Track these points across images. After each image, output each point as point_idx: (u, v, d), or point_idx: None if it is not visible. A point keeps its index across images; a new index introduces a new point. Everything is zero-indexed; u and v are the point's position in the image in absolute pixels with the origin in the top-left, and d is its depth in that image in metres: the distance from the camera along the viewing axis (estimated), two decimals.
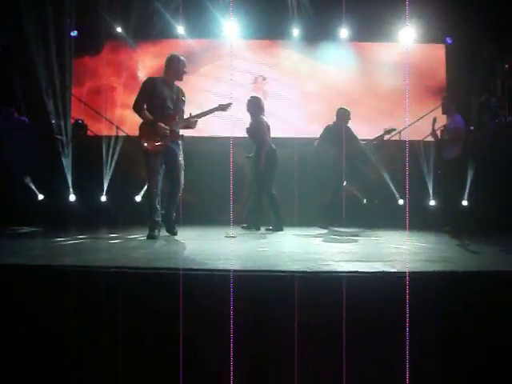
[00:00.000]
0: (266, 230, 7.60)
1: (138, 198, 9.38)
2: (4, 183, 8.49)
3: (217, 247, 5.24)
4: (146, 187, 8.69)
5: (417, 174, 8.82)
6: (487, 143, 8.96)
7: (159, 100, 5.91)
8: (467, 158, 8.24)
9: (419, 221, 7.75)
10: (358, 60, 11.32)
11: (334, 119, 8.46)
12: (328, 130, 8.39)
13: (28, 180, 8.98)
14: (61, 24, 9.53)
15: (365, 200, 8.62)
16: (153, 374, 3.00)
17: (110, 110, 10.86)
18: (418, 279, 3.06)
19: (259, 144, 7.56)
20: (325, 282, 3.10)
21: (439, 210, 8.47)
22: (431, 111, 10.06)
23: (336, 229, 8.01)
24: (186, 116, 6.15)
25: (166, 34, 10.71)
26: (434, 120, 8.06)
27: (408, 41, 10.49)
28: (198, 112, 6.21)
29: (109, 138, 9.62)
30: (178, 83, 6.16)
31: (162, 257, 4.31)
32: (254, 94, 8.00)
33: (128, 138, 9.75)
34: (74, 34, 10.46)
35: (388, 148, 9.15)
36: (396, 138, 9.50)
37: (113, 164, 9.35)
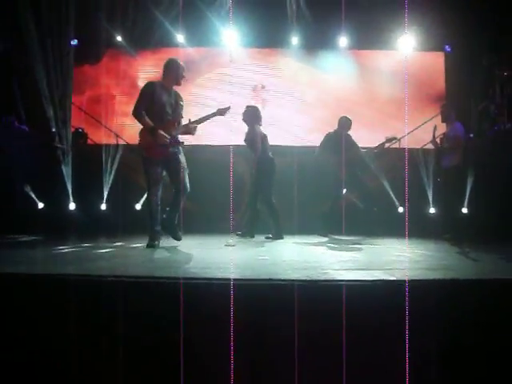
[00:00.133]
0: (266, 238, 7.60)
1: (138, 206, 9.39)
2: (4, 191, 8.49)
3: (217, 256, 5.24)
4: (146, 195, 8.75)
5: (416, 181, 8.83)
6: (486, 151, 8.96)
7: (158, 105, 5.84)
8: (467, 165, 8.24)
9: (419, 228, 7.75)
10: (358, 68, 11.33)
11: (335, 127, 8.48)
12: (328, 138, 8.41)
13: (28, 188, 8.99)
14: (61, 33, 9.54)
15: (364, 208, 8.60)
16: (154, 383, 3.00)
17: (110, 119, 10.86)
18: (418, 287, 3.06)
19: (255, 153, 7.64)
20: (325, 290, 3.10)
21: (439, 218, 8.46)
22: (431, 119, 10.09)
23: (336, 237, 8.01)
24: (184, 121, 6.11)
25: (165, 42, 10.72)
26: (435, 128, 8.05)
27: (407, 49, 10.52)
28: (197, 118, 6.19)
29: (109, 146, 9.64)
30: (175, 88, 6.11)
31: (161, 265, 4.31)
32: (251, 104, 8.01)
33: (128, 146, 9.76)
34: (74, 42, 10.48)
35: (388, 156, 9.16)
36: (396, 145, 9.50)
37: (113, 172, 9.36)
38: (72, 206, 9.22)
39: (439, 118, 8.34)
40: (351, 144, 8.37)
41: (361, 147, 8.49)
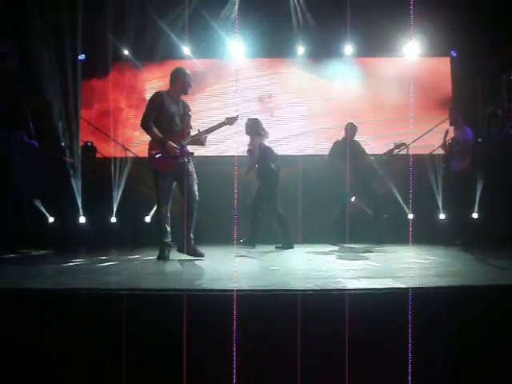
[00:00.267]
0: (276, 247, 7.62)
1: (148, 219, 9.40)
2: (15, 206, 8.54)
3: (228, 266, 5.24)
4: (155, 208, 8.77)
5: (425, 187, 8.80)
6: (495, 155, 8.93)
7: (167, 116, 5.74)
8: (476, 169, 8.22)
9: (429, 235, 7.72)
10: (364, 76, 11.34)
11: (343, 135, 8.49)
12: (337, 146, 8.41)
13: (38, 203, 9.03)
14: (69, 48, 9.62)
15: (374, 215, 8.58)
16: None
17: (118, 132, 10.91)
18: (429, 294, 3.06)
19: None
20: (335, 300, 3.09)
21: (449, 224, 8.42)
22: (438, 124, 10.09)
23: (346, 245, 7.99)
24: (193, 131, 6.02)
25: (172, 54, 10.77)
26: (447, 132, 8.04)
27: (413, 55, 10.53)
28: (206, 128, 6.04)
29: (117, 159, 9.67)
30: (183, 98, 6.04)
31: (171, 278, 4.33)
32: (256, 114, 8.00)
33: (136, 159, 9.81)
34: (81, 57, 10.55)
35: (396, 162, 9.14)
36: (404, 152, 9.49)
37: (122, 185, 9.39)
38: (82, 219, 9.25)
39: (447, 122, 8.34)
40: (360, 151, 8.37)
41: (369, 154, 8.49)
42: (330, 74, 11.31)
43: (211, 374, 2.97)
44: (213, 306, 3.07)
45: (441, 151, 8.39)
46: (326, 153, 8.55)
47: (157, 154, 5.74)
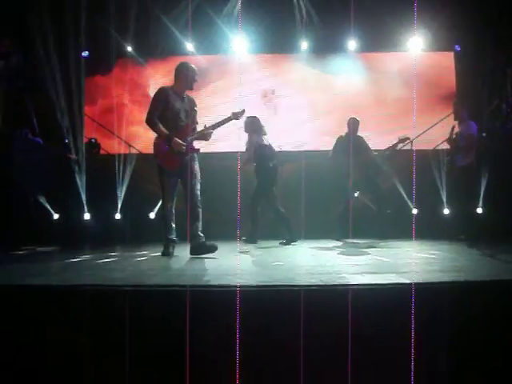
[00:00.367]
0: (280, 243, 7.64)
1: (152, 215, 9.43)
2: (19, 203, 8.57)
3: (232, 262, 5.27)
4: (159, 204, 8.79)
5: (430, 182, 8.80)
6: (499, 149, 8.91)
7: (172, 112, 5.69)
8: (481, 164, 8.21)
9: (433, 230, 7.72)
10: (367, 70, 11.32)
11: (346, 130, 8.49)
12: (340, 141, 8.41)
13: (43, 199, 9.06)
14: (72, 44, 9.63)
15: (378, 210, 8.58)
16: None
17: (122, 128, 10.93)
18: (432, 289, 3.07)
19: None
20: (340, 295, 3.10)
21: (453, 219, 8.41)
22: (442, 119, 10.09)
23: (350, 240, 8.00)
24: (199, 127, 5.95)
25: (175, 50, 10.76)
26: (453, 127, 8.05)
27: (416, 50, 10.50)
28: (213, 123, 5.95)
29: (122, 156, 9.69)
30: (188, 93, 5.97)
31: (176, 274, 4.34)
32: (251, 114, 7.94)
33: (141, 155, 9.83)
34: (85, 54, 10.56)
35: (400, 157, 9.13)
36: (408, 146, 9.48)
37: (126, 182, 9.41)
38: (86, 216, 9.28)
39: (451, 117, 8.32)
40: (364, 146, 8.38)
41: (372, 149, 8.48)
42: (333, 70, 11.30)
43: (215, 369, 2.98)
44: (217, 301, 3.09)
45: (445, 146, 8.39)
46: (330, 148, 8.56)
47: (163, 151, 5.70)
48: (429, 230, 7.59)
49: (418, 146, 9.55)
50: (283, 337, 2.96)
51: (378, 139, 9.42)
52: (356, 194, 8.46)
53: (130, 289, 3.20)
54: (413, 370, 2.87)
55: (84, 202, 9.23)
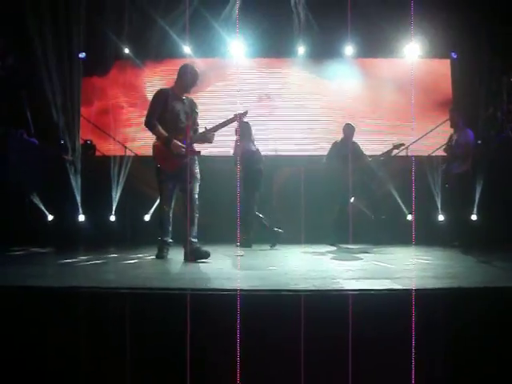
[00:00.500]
0: (271, 247, 7.71)
1: (147, 218, 9.41)
2: (14, 204, 8.55)
3: (226, 266, 5.26)
4: (155, 206, 8.78)
5: (425, 188, 8.81)
6: (494, 157, 8.95)
7: (172, 113, 5.60)
8: (476, 172, 8.24)
9: (427, 236, 7.74)
10: (364, 76, 11.35)
11: (341, 136, 8.51)
12: (335, 147, 8.43)
13: (38, 201, 9.04)
14: (69, 46, 9.63)
15: (373, 216, 8.60)
16: None
17: (118, 130, 10.92)
18: (426, 296, 3.07)
19: None
20: (334, 300, 3.11)
21: (448, 225, 8.43)
22: (437, 126, 10.12)
23: (344, 246, 8.01)
24: (201, 129, 5.86)
25: (172, 53, 10.77)
26: (451, 136, 8.08)
27: (413, 56, 10.53)
28: (214, 124, 5.81)
29: (117, 157, 9.67)
30: (189, 94, 5.90)
31: (171, 277, 4.34)
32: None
33: (136, 157, 9.83)
34: (82, 55, 10.54)
35: (395, 163, 9.16)
36: (403, 153, 9.50)
37: (121, 184, 9.39)
38: (81, 217, 9.25)
39: (446, 125, 8.35)
40: (359, 152, 8.39)
41: (367, 155, 8.50)
42: (330, 75, 11.31)
43: (215, 372, 2.98)
44: (217, 305, 3.09)
45: (440, 152, 8.41)
46: (325, 153, 8.58)
47: (162, 153, 5.62)
48: (423, 236, 7.60)
49: (413, 152, 9.58)
50: (283, 340, 2.97)
51: (373, 145, 9.44)
52: (351, 200, 8.46)
53: (129, 291, 3.20)
54: (407, 376, 2.88)
55: (79, 204, 9.21)
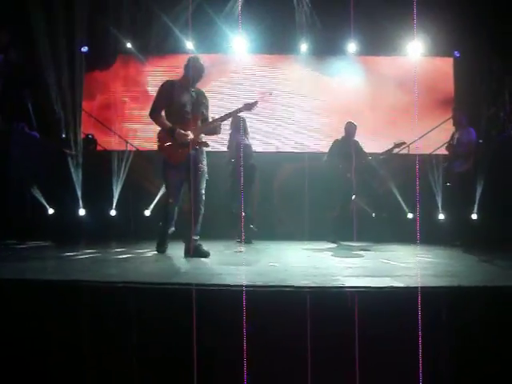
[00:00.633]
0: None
1: (148, 213, 9.42)
2: (14, 198, 8.55)
3: (227, 262, 5.27)
4: (156, 200, 8.80)
5: (426, 187, 8.81)
6: (495, 157, 8.94)
7: (178, 105, 5.53)
8: (477, 171, 8.24)
9: (428, 235, 7.74)
10: (366, 74, 11.33)
11: (343, 133, 8.52)
12: (336, 144, 8.44)
13: (38, 194, 9.04)
14: (72, 40, 9.62)
15: (374, 214, 8.62)
16: None
17: (120, 125, 10.91)
18: (425, 294, 3.06)
19: None
20: (334, 297, 3.12)
21: (449, 224, 8.43)
22: (439, 124, 10.10)
23: (345, 243, 8.02)
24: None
25: (175, 48, 10.75)
26: (453, 134, 8.08)
27: (416, 54, 10.51)
28: (221, 114, 5.76)
29: (119, 152, 9.68)
30: (199, 85, 5.85)
31: (173, 272, 4.34)
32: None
33: (137, 152, 9.83)
34: (84, 49, 10.52)
35: (397, 161, 9.15)
36: (404, 151, 9.50)
37: (122, 178, 9.39)
38: (82, 211, 9.26)
39: (448, 123, 8.35)
40: (359, 150, 8.40)
41: (368, 153, 8.50)
42: (332, 72, 11.29)
43: (222, 368, 2.99)
44: (222, 300, 3.09)
45: (441, 151, 8.41)
46: (327, 151, 8.58)
47: (167, 143, 5.54)
48: (424, 234, 7.60)
49: (415, 150, 9.57)
50: (285, 337, 2.97)
51: (374, 143, 9.42)
52: (352, 198, 8.47)
53: (125, 285, 3.20)
54: (408, 374, 2.88)
55: (79, 198, 9.21)
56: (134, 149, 10.26)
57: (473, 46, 10.12)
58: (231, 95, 10.91)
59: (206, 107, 5.81)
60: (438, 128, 10.17)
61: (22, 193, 8.72)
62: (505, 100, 9.87)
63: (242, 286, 3.08)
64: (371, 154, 8.53)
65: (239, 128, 7.89)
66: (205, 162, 5.71)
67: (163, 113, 5.63)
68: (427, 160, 9.15)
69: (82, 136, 10.21)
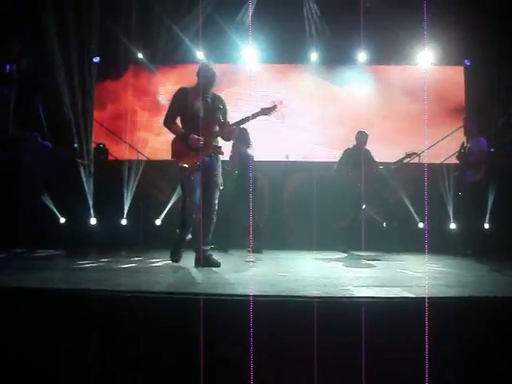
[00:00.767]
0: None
1: (158, 222, 9.45)
2: (27, 207, 8.59)
3: (237, 272, 5.26)
4: (167, 209, 8.84)
5: (437, 197, 8.78)
6: (507, 166, 8.90)
7: (192, 111, 5.50)
8: (489, 180, 8.21)
9: (439, 244, 7.70)
10: (377, 83, 11.32)
11: (354, 143, 8.51)
12: (347, 153, 8.43)
13: (50, 203, 9.09)
14: (83, 50, 9.70)
15: (384, 223, 8.59)
16: None
17: (131, 134, 10.97)
18: (436, 304, 3.05)
19: None
20: (345, 307, 3.11)
21: (460, 234, 8.39)
22: (450, 133, 10.08)
23: (355, 253, 7.99)
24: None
25: (185, 58, 10.80)
26: (463, 143, 8.07)
27: (426, 63, 10.50)
28: (237, 120, 5.71)
29: (130, 162, 9.73)
30: (215, 91, 5.82)
31: (182, 281, 4.34)
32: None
33: (148, 161, 9.87)
34: (96, 60, 10.60)
35: (407, 171, 9.13)
36: (415, 160, 9.47)
37: (133, 188, 9.43)
38: (93, 220, 9.31)
39: (459, 132, 8.32)
40: (370, 159, 8.38)
41: (379, 162, 8.48)
42: (343, 81, 11.28)
43: (229, 377, 2.98)
44: (230, 310, 3.08)
45: (452, 160, 8.39)
46: (337, 160, 8.57)
47: (181, 149, 5.49)
48: (436, 244, 7.57)
49: (426, 159, 9.54)
50: (294, 346, 2.96)
51: (385, 152, 9.41)
52: (363, 207, 8.45)
53: (135, 295, 3.21)
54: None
55: (91, 207, 9.26)
56: (144, 158, 10.31)
57: (483, 55, 10.09)
58: (241, 105, 10.92)
59: (224, 112, 5.78)
60: (450, 137, 10.15)
61: (33, 199, 8.77)
62: None
63: (249, 295, 3.07)
64: (382, 164, 8.51)
65: (242, 139, 7.90)
66: (220, 172, 5.71)
67: (178, 121, 5.63)
68: (438, 169, 9.12)
69: (94, 145, 10.28)
